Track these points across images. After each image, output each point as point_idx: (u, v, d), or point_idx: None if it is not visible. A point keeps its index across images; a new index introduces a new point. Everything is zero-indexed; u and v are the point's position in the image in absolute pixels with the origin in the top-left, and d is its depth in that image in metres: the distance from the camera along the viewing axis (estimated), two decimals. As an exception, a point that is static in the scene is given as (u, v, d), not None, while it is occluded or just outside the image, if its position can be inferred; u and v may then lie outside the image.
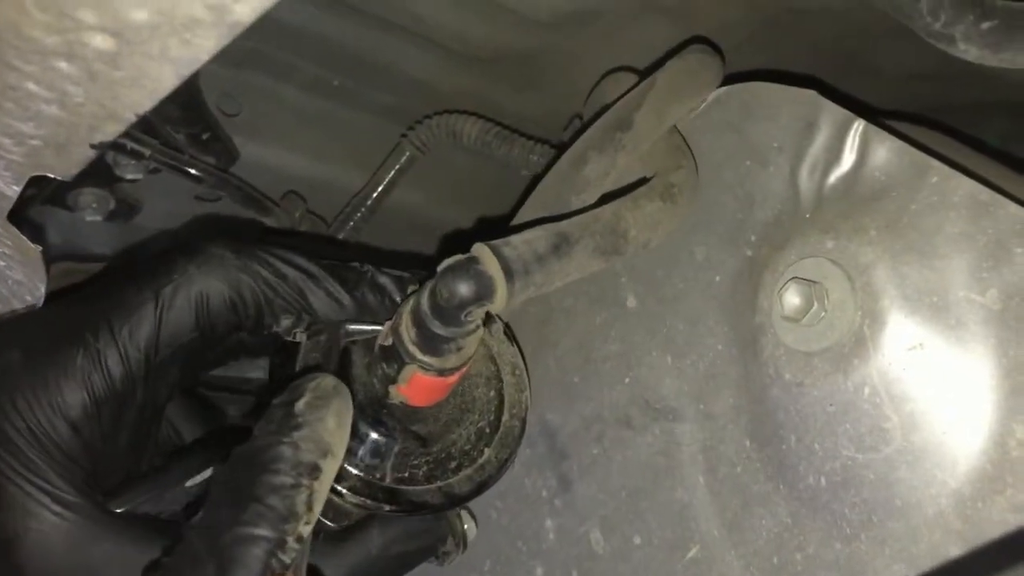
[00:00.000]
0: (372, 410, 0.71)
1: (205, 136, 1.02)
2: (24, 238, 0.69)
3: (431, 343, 0.65)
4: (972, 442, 0.63)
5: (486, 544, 0.95)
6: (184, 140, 1.02)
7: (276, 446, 0.57)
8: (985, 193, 0.64)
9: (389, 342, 0.67)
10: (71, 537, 0.59)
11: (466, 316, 0.63)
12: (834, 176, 0.72)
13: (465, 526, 0.87)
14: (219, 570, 0.52)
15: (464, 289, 0.61)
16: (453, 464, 0.74)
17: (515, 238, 0.65)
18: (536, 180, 0.86)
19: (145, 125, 0.97)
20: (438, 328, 0.64)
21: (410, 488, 0.71)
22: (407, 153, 1.10)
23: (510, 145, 1.07)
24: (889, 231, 0.68)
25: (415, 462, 0.72)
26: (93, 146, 0.55)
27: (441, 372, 0.67)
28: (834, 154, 0.73)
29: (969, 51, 0.60)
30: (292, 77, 1.06)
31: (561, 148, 0.89)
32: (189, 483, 0.69)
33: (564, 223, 0.69)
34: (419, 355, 0.66)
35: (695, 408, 0.79)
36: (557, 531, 0.89)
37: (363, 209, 1.11)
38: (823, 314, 0.69)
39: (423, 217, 1.22)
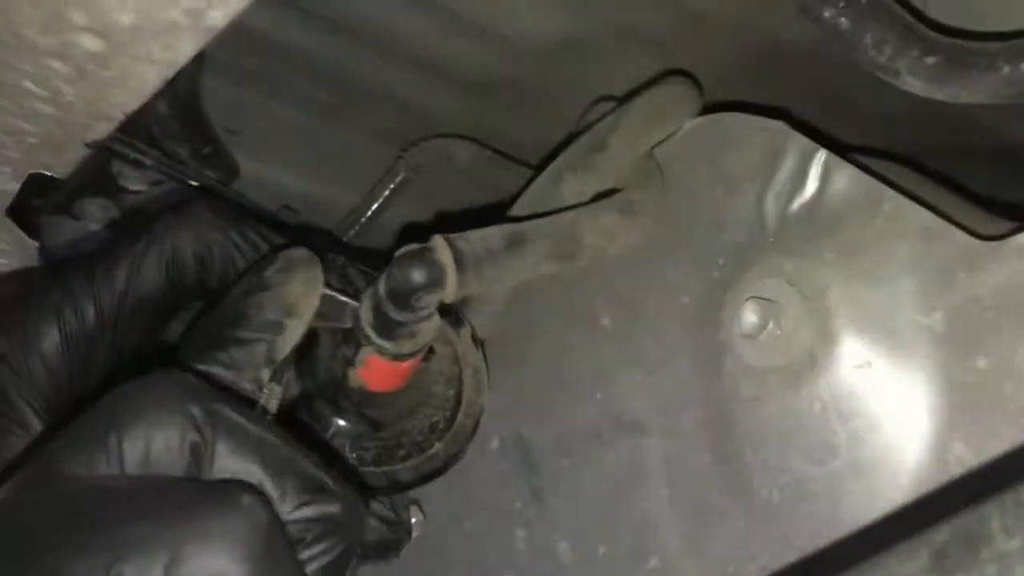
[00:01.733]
0: (331, 391, 0.74)
1: (207, 151, 1.06)
2: (22, 233, 0.73)
3: (386, 327, 0.68)
4: (914, 457, 0.65)
5: (460, 553, 0.97)
6: (187, 154, 1.06)
7: (242, 303, 0.61)
8: (934, 221, 0.67)
9: (349, 325, 0.71)
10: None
11: (418, 302, 0.66)
12: (797, 202, 0.76)
13: (412, 519, 0.89)
14: None
15: (417, 275, 0.65)
16: (402, 452, 0.77)
17: (472, 233, 0.69)
18: (516, 197, 0.89)
19: (149, 139, 1.01)
20: (392, 312, 0.67)
21: (356, 468, 0.74)
22: (401, 174, 1.14)
23: (502, 169, 1.10)
24: (844, 255, 0.71)
25: (366, 444, 0.76)
26: (87, 144, 0.59)
27: (396, 356, 0.70)
28: (798, 181, 0.76)
29: (915, 85, 0.63)
30: (293, 97, 1.10)
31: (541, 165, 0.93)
32: None
33: (522, 224, 0.73)
34: (375, 338, 0.69)
35: (661, 423, 0.82)
36: (527, 541, 0.91)
37: (357, 227, 1.15)
38: (778, 332, 0.72)
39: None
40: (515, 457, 0.94)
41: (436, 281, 0.66)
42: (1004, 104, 0.67)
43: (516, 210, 0.87)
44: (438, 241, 0.67)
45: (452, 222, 0.74)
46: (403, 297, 0.66)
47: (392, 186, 1.15)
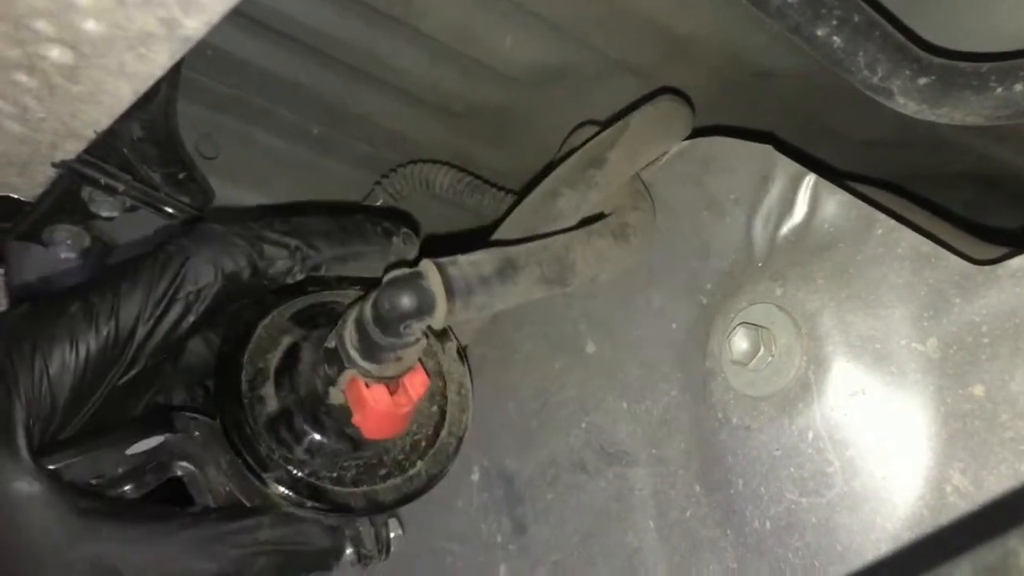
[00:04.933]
0: (311, 407, 0.72)
1: (181, 176, 1.04)
2: (-14, 259, 0.70)
3: (371, 350, 0.66)
4: (911, 488, 0.63)
5: (440, 588, 0.94)
6: (160, 179, 1.03)
7: None
8: (927, 245, 0.66)
9: (333, 345, 0.69)
10: None
11: (405, 328, 0.64)
12: (786, 227, 0.74)
13: (392, 534, 0.87)
14: None
15: (406, 302, 0.63)
16: (383, 472, 0.75)
17: (462, 258, 0.66)
18: (507, 214, 0.88)
19: (122, 163, 0.99)
20: (378, 337, 0.65)
21: (335, 488, 0.72)
22: (380, 200, 1.12)
23: (481, 195, 1.09)
24: (836, 280, 0.69)
25: (345, 464, 0.73)
26: (55, 164, 0.57)
27: (379, 379, 0.68)
28: (787, 206, 0.75)
29: (908, 105, 0.62)
30: (270, 123, 1.08)
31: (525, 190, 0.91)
32: (130, 451, 0.70)
33: (513, 248, 0.70)
34: (359, 360, 0.67)
35: (648, 453, 0.80)
36: (510, 575, 0.89)
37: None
38: (770, 359, 0.70)
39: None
40: (497, 489, 0.92)
41: (425, 308, 0.64)
42: (992, 126, 0.66)
43: (507, 226, 0.85)
44: (428, 266, 0.65)
45: (440, 244, 0.72)
46: (390, 323, 0.64)
47: (370, 212, 1.13)
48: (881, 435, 0.65)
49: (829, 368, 0.68)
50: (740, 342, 0.71)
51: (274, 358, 0.73)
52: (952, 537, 0.59)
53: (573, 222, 0.83)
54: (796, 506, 0.68)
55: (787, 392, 0.69)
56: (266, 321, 0.77)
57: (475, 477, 0.93)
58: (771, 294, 0.72)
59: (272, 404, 0.74)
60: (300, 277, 0.75)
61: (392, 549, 0.84)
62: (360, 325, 0.66)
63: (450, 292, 0.64)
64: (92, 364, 0.65)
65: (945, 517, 0.61)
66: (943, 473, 0.62)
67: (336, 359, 0.69)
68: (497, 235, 0.87)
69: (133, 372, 0.68)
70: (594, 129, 0.97)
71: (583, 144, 0.86)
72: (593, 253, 0.75)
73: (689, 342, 0.79)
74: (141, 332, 0.67)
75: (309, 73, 1.02)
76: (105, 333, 0.66)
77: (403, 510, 0.93)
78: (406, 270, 0.65)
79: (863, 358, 0.67)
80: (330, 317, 0.76)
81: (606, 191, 0.82)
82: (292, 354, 0.74)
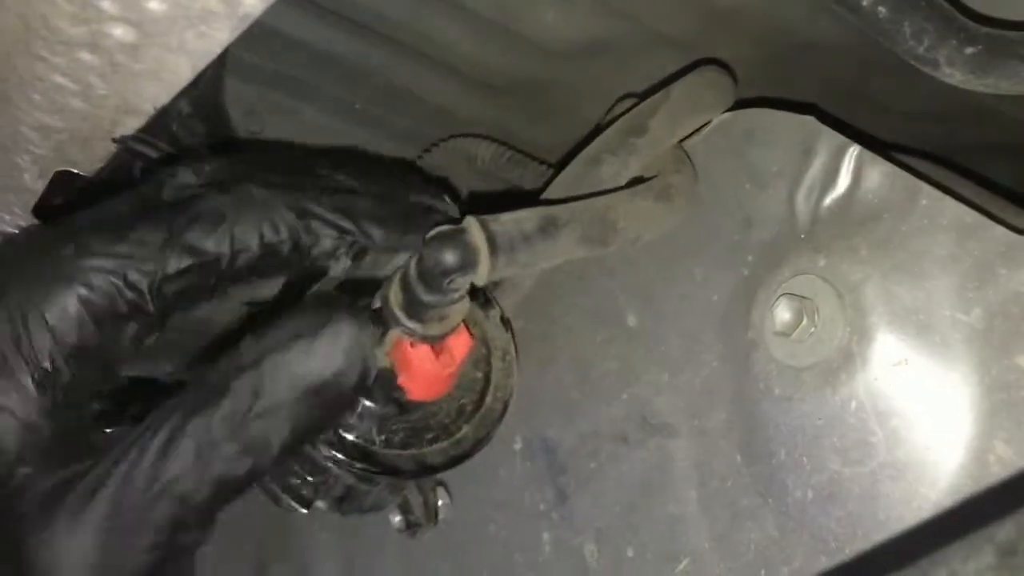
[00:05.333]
0: None
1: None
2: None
3: (415, 308, 0.67)
4: (953, 458, 0.64)
5: (484, 556, 0.96)
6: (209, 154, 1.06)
7: None
8: (972, 216, 0.66)
9: (377, 306, 0.70)
10: None
11: (449, 284, 0.65)
12: (829, 198, 0.75)
13: (439, 501, 0.88)
14: None
15: (449, 257, 0.63)
16: (430, 435, 0.76)
17: (505, 216, 0.67)
18: (550, 181, 0.88)
19: (171, 139, 1.01)
20: (423, 294, 0.66)
21: (384, 451, 0.73)
22: (422, 175, 1.14)
23: (523, 168, 1.09)
24: (879, 251, 0.70)
25: (393, 427, 0.74)
26: (115, 140, 0.58)
27: (424, 338, 0.69)
28: (830, 178, 0.75)
29: (954, 75, 0.62)
30: (314, 98, 1.10)
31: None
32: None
33: (556, 207, 0.71)
34: (403, 319, 0.68)
35: (689, 424, 0.81)
36: (553, 544, 0.90)
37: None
38: (813, 329, 0.70)
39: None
40: (540, 459, 0.93)
41: (469, 263, 0.64)
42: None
43: (550, 192, 0.85)
44: (471, 223, 0.65)
45: (484, 204, 0.73)
46: (434, 279, 0.65)
47: (413, 186, 1.14)
48: (924, 405, 0.65)
49: (872, 338, 0.68)
50: (782, 313, 0.71)
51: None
52: (992, 506, 0.60)
53: (615, 187, 0.83)
54: (839, 475, 0.69)
55: (830, 362, 0.70)
56: (312, 291, 0.78)
57: (518, 447, 0.95)
58: (814, 265, 0.72)
59: None
60: (346, 264, 0.70)
61: (440, 516, 0.85)
62: (405, 283, 0.67)
63: (493, 247, 0.65)
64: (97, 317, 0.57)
65: (987, 486, 0.62)
66: (986, 443, 0.63)
67: (380, 320, 0.69)
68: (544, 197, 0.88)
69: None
70: (635, 102, 0.98)
71: (625, 113, 0.87)
72: (636, 213, 0.76)
73: (731, 314, 0.79)
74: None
75: (353, 48, 1.03)
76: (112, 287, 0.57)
77: (448, 479, 0.95)
78: (450, 226, 0.66)
79: (907, 329, 0.67)
80: (375, 286, 0.77)
81: (647, 158, 0.83)
82: None
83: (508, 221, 0.67)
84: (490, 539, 0.96)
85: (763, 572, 0.73)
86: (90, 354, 0.58)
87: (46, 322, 0.56)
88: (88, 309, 0.57)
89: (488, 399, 0.80)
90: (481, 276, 0.66)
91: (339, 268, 0.70)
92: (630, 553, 0.83)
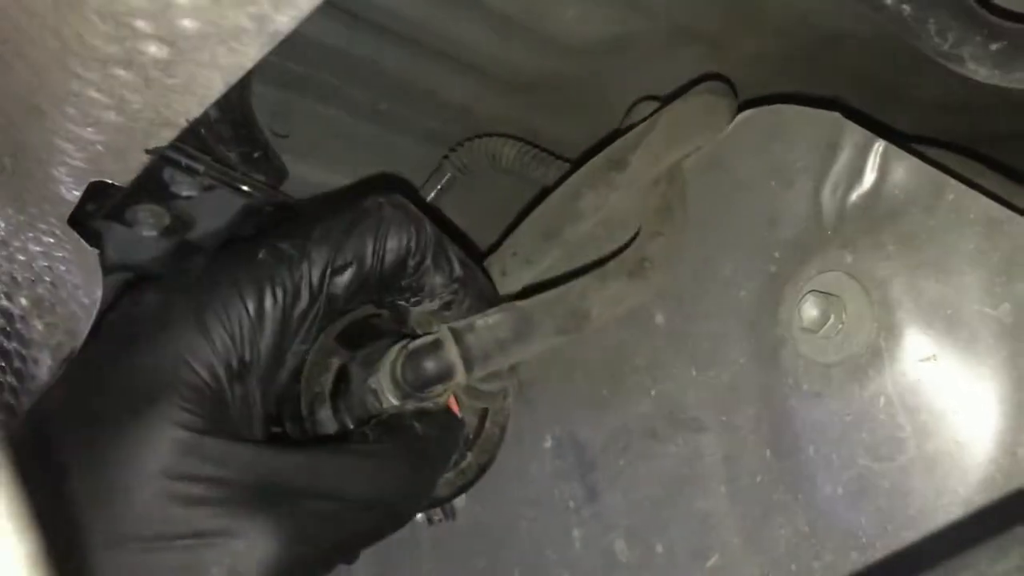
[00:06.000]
0: (364, 423, 0.76)
1: (256, 155, 1.07)
2: (83, 241, 0.74)
3: (406, 399, 0.74)
4: (983, 452, 0.64)
5: (515, 552, 0.97)
6: (236, 159, 1.07)
7: None
8: (999, 211, 0.66)
9: (375, 387, 0.75)
10: None
11: (430, 390, 0.72)
12: (855, 194, 0.75)
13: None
14: None
15: (428, 369, 0.71)
16: None
17: (479, 323, 0.73)
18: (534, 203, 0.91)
19: (200, 143, 1.02)
20: (409, 392, 0.73)
21: None
22: (448, 174, 1.14)
23: (546, 167, 1.10)
24: (906, 247, 0.70)
25: None
26: (148, 151, 0.60)
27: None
28: (856, 173, 0.75)
29: (979, 71, 0.62)
30: (340, 100, 1.11)
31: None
32: None
33: (528, 304, 0.77)
34: (398, 403, 0.74)
35: (717, 419, 0.81)
36: (583, 540, 0.91)
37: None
38: (840, 326, 0.71)
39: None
40: (569, 456, 0.94)
41: (446, 376, 0.72)
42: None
43: (529, 225, 0.91)
44: (446, 336, 0.72)
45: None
46: (416, 387, 0.72)
47: (439, 186, 1.15)
48: (953, 400, 0.65)
49: (900, 334, 0.68)
50: (810, 310, 0.72)
51: (327, 381, 0.76)
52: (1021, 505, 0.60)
53: (592, 222, 0.88)
54: (868, 471, 0.69)
55: (858, 358, 0.70)
56: (316, 345, 0.79)
57: (548, 445, 0.95)
58: (841, 262, 0.73)
59: (331, 426, 0.77)
60: (433, 307, 0.77)
61: (456, 512, 0.88)
62: (394, 379, 0.73)
63: (467, 361, 0.72)
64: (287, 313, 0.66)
65: (1018, 481, 0.62)
66: (1016, 437, 0.63)
67: (378, 398, 0.75)
68: (525, 224, 0.93)
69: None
70: (652, 105, 0.98)
71: (639, 123, 0.87)
72: (609, 298, 0.80)
73: (758, 310, 0.80)
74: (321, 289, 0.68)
75: (377, 50, 1.04)
76: (297, 282, 0.66)
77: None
78: (427, 339, 0.72)
79: (935, 324, 0.67)
80: (372, 333, 0.79)
81: (628, 191, 0.85)
82: (342, 376, 0.77)
83: (482, 329, 0.73)
84: (521, 536, 0.97)
85: (793, 567, 0.73)
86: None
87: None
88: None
89: (487, 425, 0.84)
90: (459, 384, 0.73)
91: (427, 307, 0.77)
92: (660, 549, 0.84)
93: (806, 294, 0.72)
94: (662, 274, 0.83)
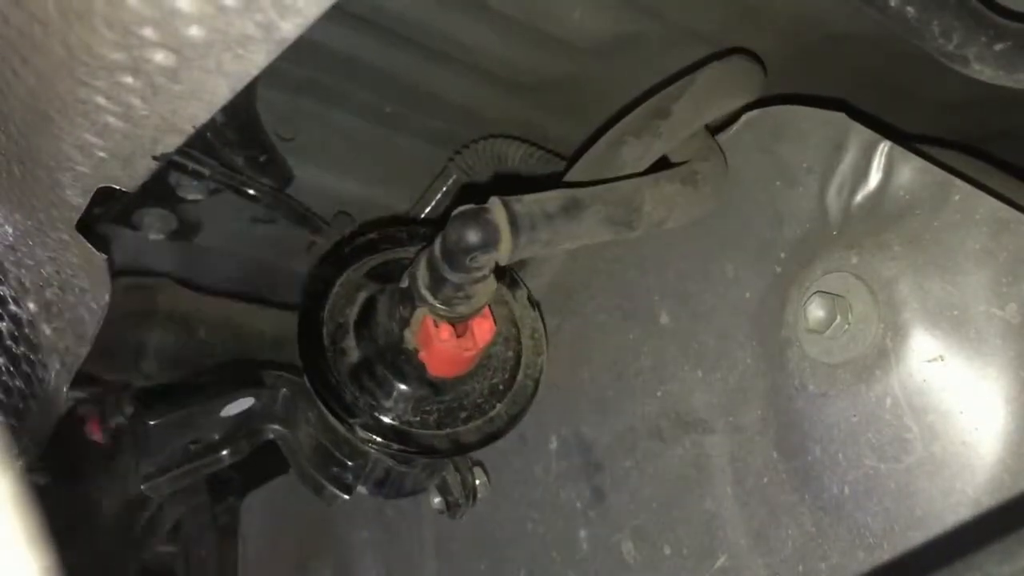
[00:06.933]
0: (391, 355, 0.76)
1: (262, 159, 1.08)
2: (91, 247, 0.74)
3: (441, 287, 0.68)
4: (991, 453, 0.64)
5: (522, 554, 0.97)
6: (242, 162, 1.07)
7: None
8: (1005, 211, 0.66)
9: (406, 284, 0.71)
10: None
11: (472, 262, 0.66)
12: (861, 195, 0.75)
13: (477, 481, 0.90)
14: None
15: (471, 235, 0.64)
16: (464, 414, 0.78)
17: (528, 196, 0.68)
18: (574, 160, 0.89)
19: (206, 147, 1.03)
20: (447, 272, 0.67)
21: (420, 432, 0.75)
22: (453, 176, 1.15)
23: (552, 168, 1.10)
24: (912, 247, 0.70)
25: (427, 408, 0.76)
26: (155, 158, 0.60)
27: (449, 319, 0.71)
28: (861, 174, 0.75)
29: (983, 72, 0.62)
30: (345, 103, 1.11)
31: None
32: (224, 413, 0.73)
33: (580, 189, 0.72)
34: (429, 298, 0.69)
35: (724, 420, 0.81)
36: (590, 541, 0.91)
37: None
38: (846, 326, 0.71)
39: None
40: (576, 457, 0.94)
41: (490, 241, 0.65)
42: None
43: (573, 174, 0.86)
44: (494, 202, 0.67)
45: (509, 187, 0.74)
46: (457, 257, 0.66)
47: (444, 188, 1.15)
48: (960, 400, 0.65)
49: (907, 335, 0.68)
50: (816, 310, 0.72)
51: (352, 312, 0.76)
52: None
53: (638, 171, 0.83)
54: (875, 472, 0.69)
55: (864, 359, 0.70)
56: (342, 278, 0.79)
57: (553, 446, 0.96)
58: (847, 262, 0.73)
59: (354, 355, 0.76)
60: None
61: (479, 496, 0.87)
62: (430, 262, 0.68)
63: (515, 226, 0.66)
64: None
65: (1025, 482, 0.62)
66: (1024, 438, 0.63)
67: (409, 299, 0.71)
68: (566, 180, 0.89)
69: None
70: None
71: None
72: (661, 197, 0.76)
73: (763, 311, 0.80)
74: None
75: (381, 53, 1.04)
76: None
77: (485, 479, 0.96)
78: (473, 205, 0.67)
79: (941, 324, 0.67)
80: (403, 270, 0.77)
81: (671, 142, 0.83)
82: (369, 307, 0.77)
83: (531, 201, 0.68)
84: (528, 537, 0.97)
85: (801, 568, 0.74)
86: None
87: None
88: None
89: (520, 377, 0.82)
90: (503, 254, 0.66)
91: None
92: (667, 550, 0.84)
93: (812, 295, 0.72)
94: (711, 191, 0.81)
